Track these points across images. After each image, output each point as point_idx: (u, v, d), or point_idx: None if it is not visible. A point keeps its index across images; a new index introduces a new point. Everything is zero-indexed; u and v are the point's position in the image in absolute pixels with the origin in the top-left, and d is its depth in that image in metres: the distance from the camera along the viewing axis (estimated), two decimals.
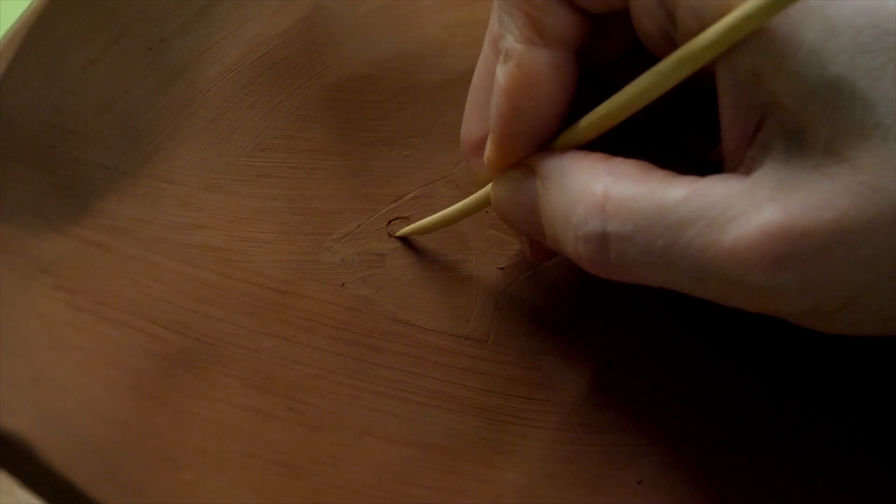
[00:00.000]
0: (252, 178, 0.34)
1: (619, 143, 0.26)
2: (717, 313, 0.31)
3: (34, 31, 0.33)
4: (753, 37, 0.21)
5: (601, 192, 0.23)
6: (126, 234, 0.32)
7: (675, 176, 0.23)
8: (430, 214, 0.33)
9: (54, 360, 0.28)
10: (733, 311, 0.30)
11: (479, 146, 0.29)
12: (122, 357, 0.29)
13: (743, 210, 0.21)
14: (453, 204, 0.31)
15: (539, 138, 0.26)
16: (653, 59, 0.23)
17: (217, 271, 0.32)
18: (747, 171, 0.22)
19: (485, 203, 0.29)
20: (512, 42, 0.25)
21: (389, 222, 0.34)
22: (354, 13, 0.39)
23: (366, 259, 0.33)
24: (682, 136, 0.29)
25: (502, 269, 0.33)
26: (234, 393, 0.29)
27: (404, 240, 0.33)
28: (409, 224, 0.33)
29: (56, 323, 0.29)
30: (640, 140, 0.27)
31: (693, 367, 0.31)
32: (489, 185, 0.29)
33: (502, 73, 0.26)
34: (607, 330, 0.32)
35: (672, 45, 0.23)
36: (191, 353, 0.30)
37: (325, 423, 0.29)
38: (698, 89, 0.27)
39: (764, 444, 0.29)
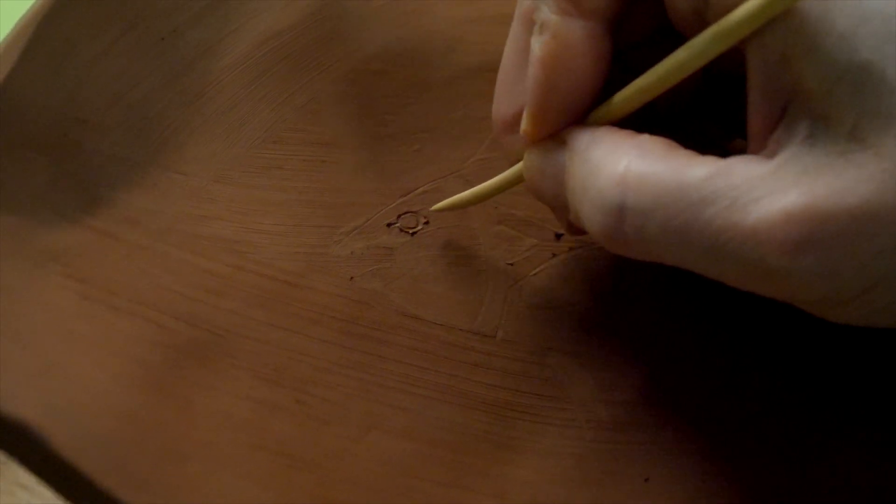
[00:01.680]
0: (262, 171, 0.34)
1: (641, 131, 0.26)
2: (725, 311, 0.31)
3: (46, 21, 0.34)
4: (784, 19, 0.21)
5: (623, 165, 0.23)
6: (136, 225, 0.32)
7: (698, 155, 0.23)
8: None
9: (63, 349, 0.29)
10: (743, 309, 0.30)
11: (512, 123, 0.29)
12: (130, 347, 0.29)
13: (766, 192, 0.21)
14: None
15: (574, 111, 0.26)
16: (676, 42, 0.23)
17: (227, 263, 0.32)
18: (771, 155, 0.22)
19: (518, 179, 0.29)
20: (547, 13, 0.25)
21: (399, 216, 0.34)
22: (364, 8, 0.39)
23: (375, 253, 0.33)
24: (702, 126, 0.29)
25: (511, 264, 0.33)
26: (242, 385, 0.29)
27: (421, 231, 0.33)
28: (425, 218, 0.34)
29: (65, 312, 0.29)
30: (661, 131, 0.27)
31: (701, 364, 0.31)
32: (522, 162, 0.29)
33: (538, 45, 0.26)
34: (616, 327, 0.32)
35: (703, 23, 0.23)
36: (200, 344, 0.30)
37: (332, 417, 0.29)
38: (719, 78, 0.27)
39: (772, 442, 0.29)
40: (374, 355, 0.31)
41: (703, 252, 0.22)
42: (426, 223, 0.34)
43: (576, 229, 0.30)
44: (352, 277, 0.32)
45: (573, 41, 0.25)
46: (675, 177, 0.22)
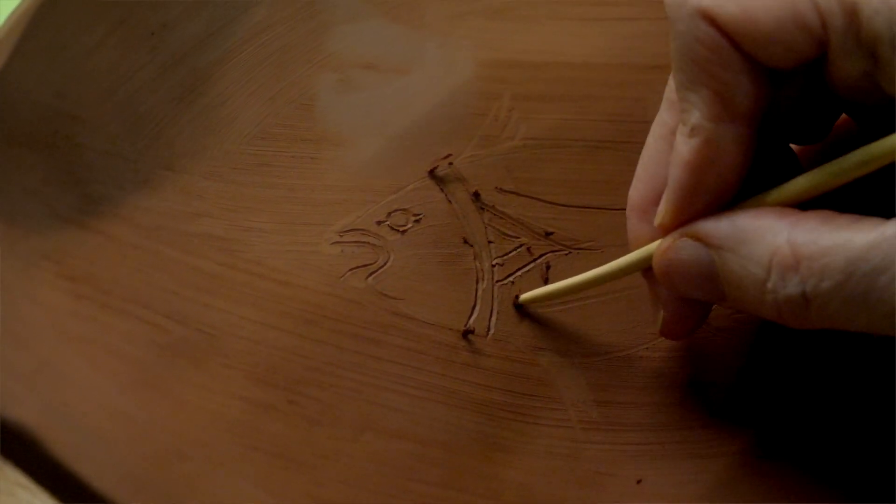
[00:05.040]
0: (252, 167, 0.34)
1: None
2: (722, 310, 0.32)
3: (37, 16, 0.33)
4: None
5: (791, 253, 0.23)
6: (127, 222, 0.32)
7: (857, 220, 0.23)
8: (430, 207, 0.33)
9: (57, 349, 0.28)
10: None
11: (644, 209, 0.29)
12: (124, 346, 0.29)
13: None
14: (456, 199, 0.32)
15: (716, 207, 0.26)
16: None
17: (218, 261, 0.32)
18: None
19: (639, 265, 0.29)
20: (699, 118, 0.25)
21: (389, 214, 0.34)
22: (355, 2, 0.38)
23: (366, 251, 0.33)
24: None
25: (502, 264, 0.33)
26: (235, 384, 0.29)
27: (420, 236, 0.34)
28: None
29: (58, 311, 0.29)
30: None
31: (693, 365, 0.31)
32: (646, 247, 0.28)
33: (687, 148, 0.26)
34: (607, 327, 0.32)
35: (873, 85, 0.24)
36: (192, 343, 0.30)
37: (325, 417, 0.29)
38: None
39: (763, 443, 0.30)
40: (366, 355, 0.31)
41: (885, 318, 0.23)
42: (416, 221, 0.34)
43: (678, 331, 0.30)
44: (343, 276, 0.32)
45: (724, 147, 0.25)
46: (843, 252, 0.23)
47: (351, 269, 0.32)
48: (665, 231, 0.27)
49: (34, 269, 0.30)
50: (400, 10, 0.39)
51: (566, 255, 0.34)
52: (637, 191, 0.30)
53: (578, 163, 0.35)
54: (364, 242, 0.33)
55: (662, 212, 0.27)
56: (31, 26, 0.33)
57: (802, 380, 0.31)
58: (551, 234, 0.34)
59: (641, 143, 0.35)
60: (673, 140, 0.27)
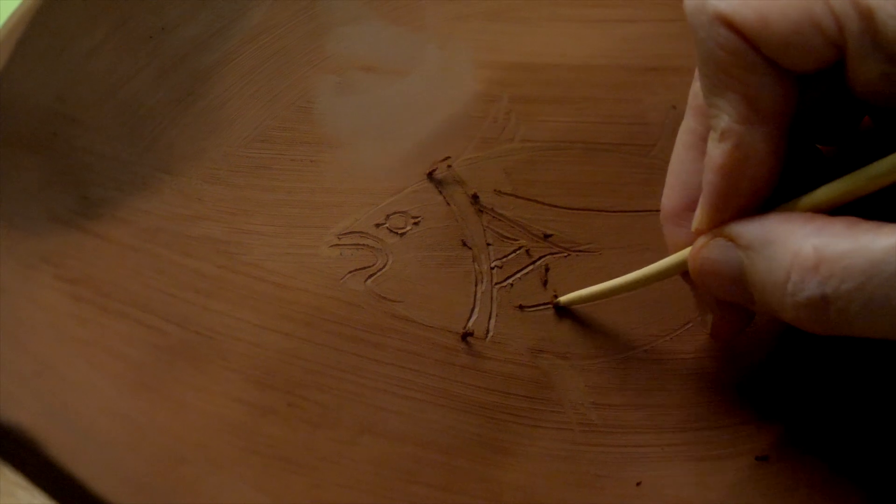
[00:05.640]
0: (251, 170, 0.34)
1: None
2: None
3: (37, 19, 0.33)
4: None
5: (812, 255, 0.23)
6: (126, 225, 0.32)
7: (881, 225, 0.23)
8: (429, 209, 0.33)
9: (57, 351, 0.28)
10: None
11: (679, 216, 0.29)
12: (124, 349, 0.29)
13: None
14: (455, 201, 0.32)
15: (751, 209, 0.26)
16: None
17: (217, 263, 0.32)
18: None
19: (679, 268, 0.29)
20: (728, 122, 0.25)
21: (388, 216, 0.34)
22: (355, 2, 0.38)
23: (365, 254, 0.33)
24: None
25: (501, 266, 0.33)
26: (234, 387, 0.29)
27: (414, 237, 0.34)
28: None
29: (58, 314, 0.29)
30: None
31: (692, 368, 0.31)
32: (685, 250, 0.28)
33: (718, 152, 0.26)
34: (606, 330, 0.32)
35: (891, 87, 0.24)
36: (191, 346, 0.30)
37: (325, 420, 0.29)
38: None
39: (762, 445, 0.30)
40: (365, 357, 0.31)
41: None
42: (415, 223, 0.34)
43: (725, 332, 0.30)
44: (342, 278, 0.32)
45: (755, 150, 0.25)
46: (864, 255, 0.22)
47: (350, 272, 0.32)
48: (701, 235, 0.28)
49: (33, 271, 0.30)
50: (399, 13, 0.39)
51: (565, 257, 0.34)
52: (669, 199, 0.30)
53: (577, 165, 0.35)
54: (363, 245, 0.33)
55: (698, 217, 0.27)
56: (31, 28, 0.33)
57: (802, 382, 0.31)
58: (550, 236, 0.34)
59: (640, 145, 0.35)
60: (701, 147, 0.28)
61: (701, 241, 0.27)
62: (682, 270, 0.29)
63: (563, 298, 0.32)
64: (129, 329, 0.30)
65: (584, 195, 0.35)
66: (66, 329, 0.29)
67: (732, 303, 0.28)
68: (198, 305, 0.31)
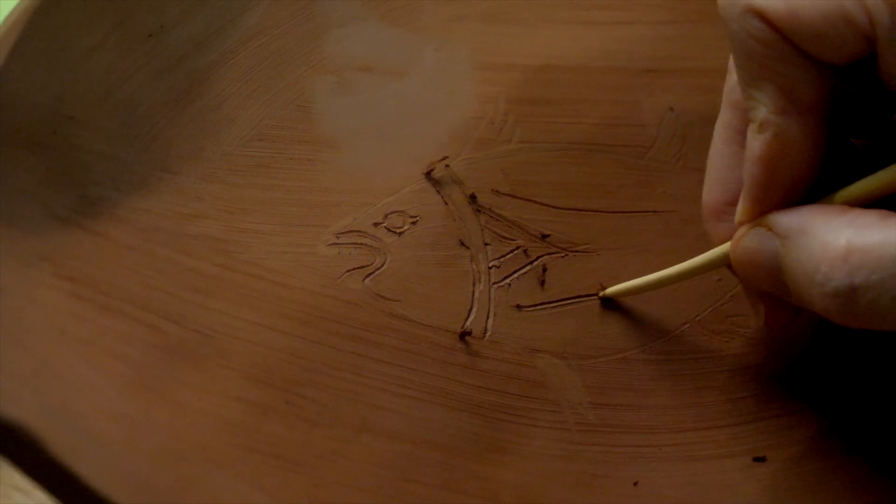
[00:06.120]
0: (249, 169, 0.34)
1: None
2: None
3: (35, 18, 0.33)
4: None
5: (843, 245, 0.23)
6: (125, 223, 0.32)
7: None
8: (427, 209, 0.33)
9: (56, 349, 0.28)
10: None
11: (721, 210, 0.29)
12: (122, 348, 0.29)
13: None
14: (453, 201, 0.32)
15: (792, 201, 0.26)
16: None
17: (215, 262, 0.32)
18: None
19: (717, 263, 0.29)
20: (766, 113, 0.25)
21: (386, 216, 0.34)
22: (353, 3, 0.39)
23: (363, 253, 0.33)
24: None
25: (499, 266, 0.33)
26: (232, 385, 0.29)
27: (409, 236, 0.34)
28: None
29: (57, 312, 0.29)
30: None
31: (690, 368, 0.31)
32: (725, 245, 0.29)
33: (758, 144, 0.26)
34: (604, 330, 0.32)
35: None
36: (190, 344, 0.30)
37: (323, 418, 0.29)
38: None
39: (761, 446, 0.30)
40: (363, 356, 0.31)
41: None
42: (413, 223, 0.34)
43: (777, 323, 0.30)
44: (340, 277, 0.32)
45: (794, 139, 0.25)
46: (894, 244, 0.23)
47: (348, 271, 0.33)
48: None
49: (32, 269, 0.30)
50: (397, 13, 0.39)
51: (562, 257, 0.34)
52: (710, 195, 0.30)
53: (574, 166, 0.36)
54: (361, 244, 0.33)
55: (740, 209, 0.27)
56: (29, 27, 0.33)
57: (800, 382, 0.31)
58: (548, 236, 0.34)
59: (637, 147, 0.35)
60: (739, 141, 0.28)
61: (742, 230, 0.27)
62: (726, 262, 0.29)
63: (608, 290, 0.33)
64: (128, 327, 0.30)
65: (581, 196, 0.35)
66: (65, 327, 0.29)
67: (772, 294, 0.28)
68: (196, 304, 0.31)
